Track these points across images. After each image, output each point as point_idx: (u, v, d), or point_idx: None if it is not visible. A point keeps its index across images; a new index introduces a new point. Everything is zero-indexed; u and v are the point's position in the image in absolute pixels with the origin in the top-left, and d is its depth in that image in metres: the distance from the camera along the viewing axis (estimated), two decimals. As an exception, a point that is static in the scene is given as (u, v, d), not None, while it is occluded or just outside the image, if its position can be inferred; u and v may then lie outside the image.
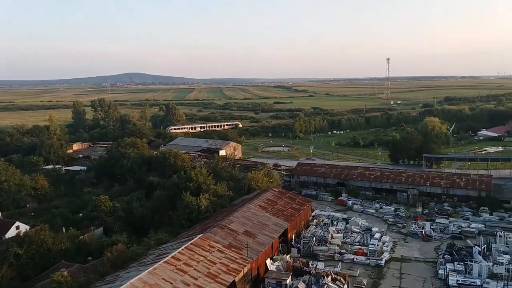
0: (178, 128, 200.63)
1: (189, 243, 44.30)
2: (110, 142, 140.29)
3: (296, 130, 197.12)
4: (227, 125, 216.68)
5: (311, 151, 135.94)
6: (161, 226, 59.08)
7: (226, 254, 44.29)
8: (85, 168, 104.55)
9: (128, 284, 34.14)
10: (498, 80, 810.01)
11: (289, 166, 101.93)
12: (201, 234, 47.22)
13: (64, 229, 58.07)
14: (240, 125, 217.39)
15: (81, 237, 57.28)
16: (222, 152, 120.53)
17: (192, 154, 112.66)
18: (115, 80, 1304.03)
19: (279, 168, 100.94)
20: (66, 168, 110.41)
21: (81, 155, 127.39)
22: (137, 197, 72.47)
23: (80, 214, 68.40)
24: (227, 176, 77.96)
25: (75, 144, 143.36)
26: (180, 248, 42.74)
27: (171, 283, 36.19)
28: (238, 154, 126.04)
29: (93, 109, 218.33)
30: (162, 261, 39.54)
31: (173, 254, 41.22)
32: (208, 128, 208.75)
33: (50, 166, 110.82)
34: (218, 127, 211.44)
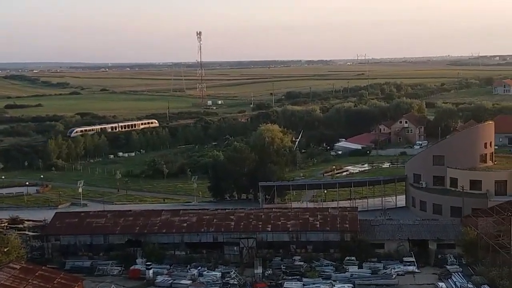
0: (86, 130, 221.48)
1: None
2: None
3: (52, 154, 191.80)
4: (142, 123, 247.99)
5: (80, 190, 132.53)
6: None
7: None
8: None
9: None
10: (358, 66, 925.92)
11: (41, 221, 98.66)
12: None
13: None
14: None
15: None
16: None
17: None
18: None
19: (20, 226, 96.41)
20: None
21: None
22: None
23: None
24: None
25: None
26: None
27: None
28: None
29: None
30: None
31: None
32: (121, 129, 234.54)
33: None
34: (132, 126, 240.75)
